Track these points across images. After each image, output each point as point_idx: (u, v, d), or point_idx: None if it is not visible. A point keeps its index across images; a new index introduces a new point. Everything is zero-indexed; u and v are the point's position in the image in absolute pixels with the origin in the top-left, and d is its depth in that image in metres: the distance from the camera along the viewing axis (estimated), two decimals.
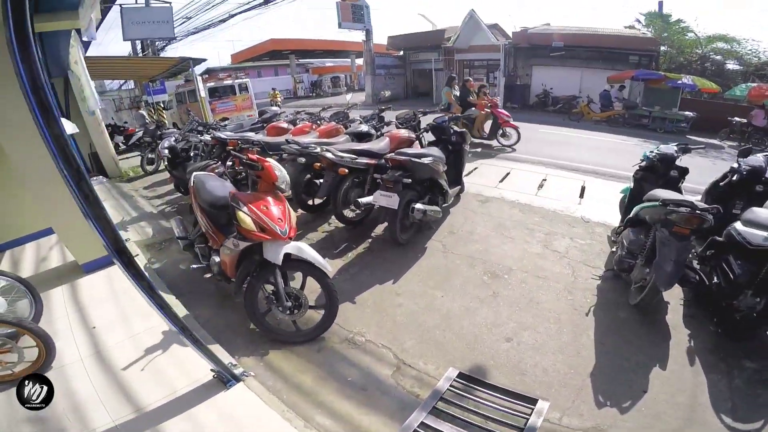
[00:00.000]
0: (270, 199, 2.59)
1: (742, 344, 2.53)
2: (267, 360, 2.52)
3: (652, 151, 3.44)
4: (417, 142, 4.99)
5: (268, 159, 2.68)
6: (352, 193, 4.03)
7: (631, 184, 3.65)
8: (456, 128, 4.61)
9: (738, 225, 2.52)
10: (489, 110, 7.52)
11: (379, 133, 5.19)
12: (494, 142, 7.76)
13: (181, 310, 2.85)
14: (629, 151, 8.26)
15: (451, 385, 2.15)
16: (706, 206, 2.34)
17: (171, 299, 2.97)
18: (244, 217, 2.44)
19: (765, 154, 3.08)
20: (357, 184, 4.10)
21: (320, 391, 2.30)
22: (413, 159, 3.43)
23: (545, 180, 5.70)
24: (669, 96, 12.20)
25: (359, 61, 24.26)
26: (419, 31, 20.29)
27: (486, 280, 3.30)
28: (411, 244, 3.85)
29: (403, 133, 4.62)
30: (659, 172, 3.33)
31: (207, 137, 5.09)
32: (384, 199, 3.36)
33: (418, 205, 3.48)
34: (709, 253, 2.75)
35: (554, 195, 5.12)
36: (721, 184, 3.06)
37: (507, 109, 15.45)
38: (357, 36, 19.32)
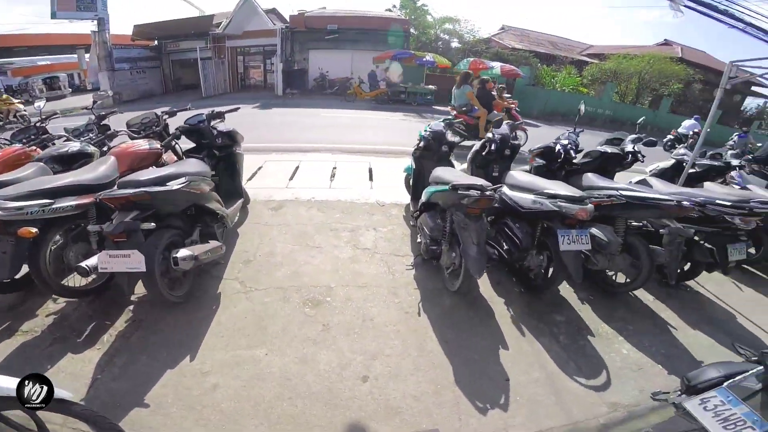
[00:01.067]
0: None
1: (544, 300, 2.85)
2: None
3: (425, 130, 3.51)
4: (171, 153, 3.73)
5: None
6: (70, 253, 2.55)
7: (413, 164, 3.69)
8: (219, 128, 3.58)
9: (506, 190, 2.74)
10: (504, 114, 7.05)
11: (104, 149, 3.59)
12: None
13: None
14: (397, 127, 9.33)
15: None
16: (492, 185, 2.41)
17: None
18: None
19: (508, 122, 3.58)
20: (77, 237, 2.62)
21: None
22: (151, 189, 2.27)
23: (335, 168, 5.52)
24: (417, 72, 14.42)
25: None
26: (179, 18, 17.13)
27: (309, 313, 2.69)
28: (195, 296, 2.79)
29: (141, 146, 3.27)
30: (434, 149, 3.43)
31: None
32: (118, 263, 2.14)
33: (183, 252, 2.37)
34: (490, 219, 2.95)
35: (347, 183, 4.99)
36: (483, 153, 3.36)
37: (287, 96, 15.08)
38: (85, 27, 14.71)
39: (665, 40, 23.90)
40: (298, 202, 4.33)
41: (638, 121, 4.40)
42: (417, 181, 3.51)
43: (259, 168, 5.37)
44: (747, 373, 1.65)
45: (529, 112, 14.50)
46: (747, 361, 1.82)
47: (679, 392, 1.81)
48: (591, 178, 3.25)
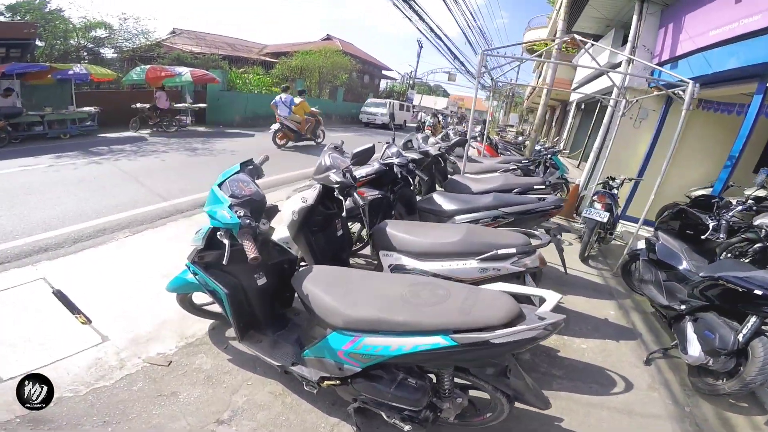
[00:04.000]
0: None
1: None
2: None
3: (215, 206, 1.67)
4: None
5: None
6: None
7: (200, 275, 1.81)
8: None
9: (411, 262, 1.64)
10: None
11: None
12: None
13: None
14: (50, 183, 4.96)
15: None
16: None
17: None
18: None
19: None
20: None
21: None
22: None
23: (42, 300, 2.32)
24: (60, 92, 9.78)
25: None
26: None
27: None
28: None
29: None
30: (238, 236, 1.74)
31: None
32: None
33: None
34: None
35: (23, 353, 2.04)
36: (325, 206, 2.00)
37: None
38: None
39: (327, 35, 27.92)
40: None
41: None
42: (238, 306, 1.74)
43: None
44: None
45: (231, 121, 13.04)
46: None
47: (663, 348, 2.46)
48: (443, 199, 2.71)
